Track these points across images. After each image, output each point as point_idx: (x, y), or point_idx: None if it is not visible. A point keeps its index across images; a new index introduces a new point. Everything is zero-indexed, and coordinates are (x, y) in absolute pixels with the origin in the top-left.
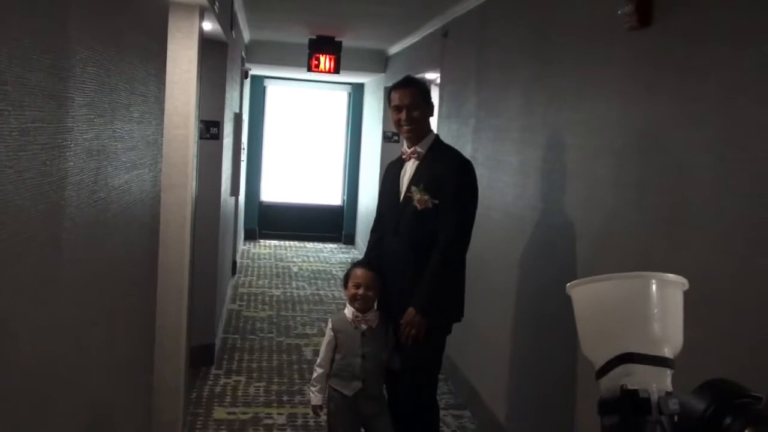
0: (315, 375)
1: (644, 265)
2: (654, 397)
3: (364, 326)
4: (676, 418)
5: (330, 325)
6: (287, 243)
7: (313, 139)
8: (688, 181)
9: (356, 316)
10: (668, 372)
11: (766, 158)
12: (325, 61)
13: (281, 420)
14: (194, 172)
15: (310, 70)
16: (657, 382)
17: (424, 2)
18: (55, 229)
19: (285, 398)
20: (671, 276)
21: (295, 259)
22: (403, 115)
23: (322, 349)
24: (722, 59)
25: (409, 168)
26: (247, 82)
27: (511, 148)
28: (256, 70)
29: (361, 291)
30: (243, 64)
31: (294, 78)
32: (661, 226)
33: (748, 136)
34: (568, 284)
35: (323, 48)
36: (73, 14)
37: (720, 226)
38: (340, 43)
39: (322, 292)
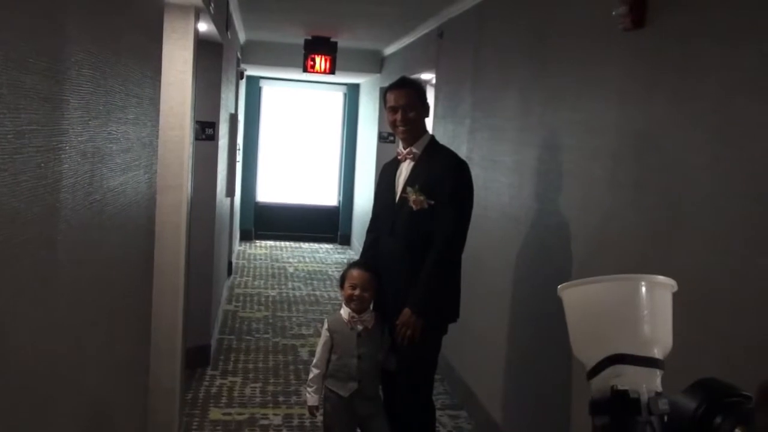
0: (311, 376)
1: (641, 265)
2: (644, 398)
3: (360, 327)
4: (665, 418)
5: (326, 325)
6: (283, 243)
7: (309, 139)
8: (685, 182)
9: (352, 317)
10: (658, 373)
11: (764, 158)
12: (320, 62)
13: (277, 421)
14: (189, 174)
15: (305, 70)
16: (647, 383)
17: (419, 3)
18: (51, 231)
19: (281, 399)
20: (660, 278)
21: (290, 260)
22: (398, 116)
23: (318, 349)
24: (719, 59)
25: (405, 169)
26: (243, 83)
27: (507, 149)
28: (251, 71)
29: (357, 292)
30: (238, 65)
31: (289, 78)
32: (658, 226)
33: (745, 136)
34: (559, 287)
35: (319, 48)
36: (72, 15)
37: (717, 226)
38: (336, 43)
39: (317, 293)
